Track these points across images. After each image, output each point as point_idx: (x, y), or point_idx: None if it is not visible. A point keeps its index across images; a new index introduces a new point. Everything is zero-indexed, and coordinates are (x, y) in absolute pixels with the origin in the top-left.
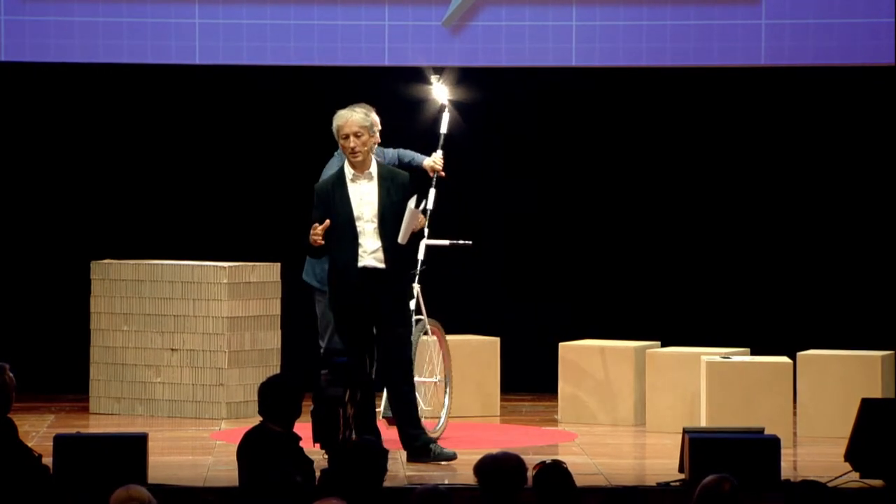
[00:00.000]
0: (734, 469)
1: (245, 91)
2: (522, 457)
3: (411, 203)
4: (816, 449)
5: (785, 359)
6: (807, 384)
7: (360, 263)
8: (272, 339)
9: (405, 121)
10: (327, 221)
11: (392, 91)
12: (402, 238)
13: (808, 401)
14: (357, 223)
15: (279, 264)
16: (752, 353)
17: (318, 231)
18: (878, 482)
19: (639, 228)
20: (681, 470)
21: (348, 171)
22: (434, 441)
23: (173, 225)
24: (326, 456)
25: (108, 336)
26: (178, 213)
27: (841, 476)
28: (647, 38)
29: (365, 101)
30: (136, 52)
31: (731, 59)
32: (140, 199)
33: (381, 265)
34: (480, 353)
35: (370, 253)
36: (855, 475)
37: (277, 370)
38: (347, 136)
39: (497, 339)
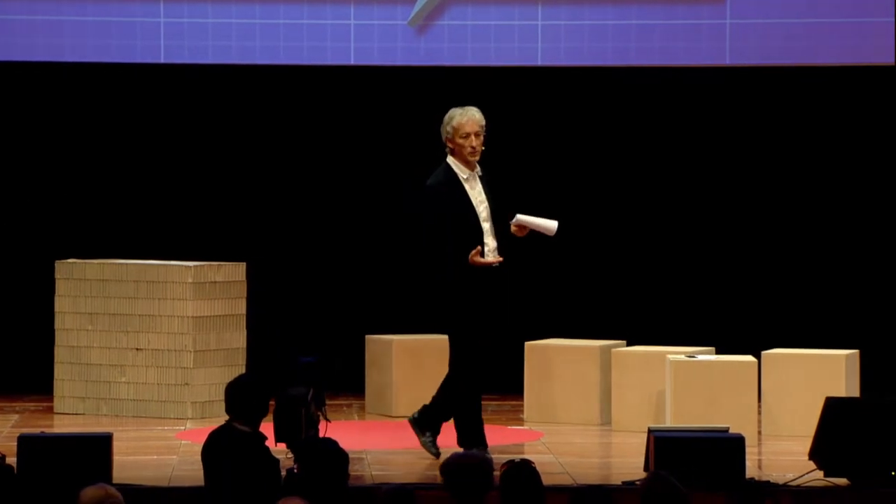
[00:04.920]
0: (699, 468)
1: (213, 91)
2: (489, 456)
3: (554, 224)
4: (781, 447)
5: (750, 358)
6: (771, 383)
7: None
8: (237, 339)
9: (373, 123)
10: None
11: (358, 91)
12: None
13: (773, 399)
14: (481, 224)
15: (244, 264)
16: (718, 353)
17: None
18: (842, 481)
19: (604, 228)
20: (646, 469)
21: (461, 171)
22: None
23: (138, 224)
24: (291, 455)
25: (73, 336)
26: (144, 213)
27: (805, 474)
28: (613, 37)
29: (334, 101)
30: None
31: (696, 59)
32: (105, 199)
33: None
34: (445, 353)
35: (492, 252)
36: (819, 473)
37: (243, 370)
38: (468, 135)
39: None
